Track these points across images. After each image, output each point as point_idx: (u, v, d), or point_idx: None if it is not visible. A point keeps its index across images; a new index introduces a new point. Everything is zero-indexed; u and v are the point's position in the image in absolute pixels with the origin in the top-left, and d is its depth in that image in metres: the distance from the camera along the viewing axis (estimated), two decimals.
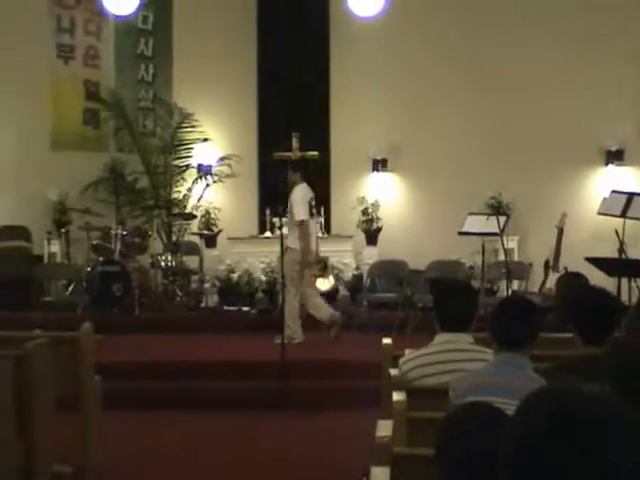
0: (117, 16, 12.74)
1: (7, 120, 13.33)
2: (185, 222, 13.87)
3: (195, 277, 13.62)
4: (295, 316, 10.97)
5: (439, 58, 14.11)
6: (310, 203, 11.04)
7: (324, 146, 14.74)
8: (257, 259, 13.30)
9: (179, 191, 14.23)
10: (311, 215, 11.03)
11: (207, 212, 14.23)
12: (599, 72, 13.41)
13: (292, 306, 10.94)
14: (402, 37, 14.02)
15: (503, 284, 12.12)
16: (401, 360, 5.09)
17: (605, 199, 11.52)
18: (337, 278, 13.10)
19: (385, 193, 14.56)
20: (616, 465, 1.44)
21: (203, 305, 13.27)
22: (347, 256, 13.65)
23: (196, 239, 14.06)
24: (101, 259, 12.63)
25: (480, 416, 2.38)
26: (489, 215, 12.04)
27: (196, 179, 14.28)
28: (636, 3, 12.77)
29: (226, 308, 13.02)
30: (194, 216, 13.96)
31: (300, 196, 10.92)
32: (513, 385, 3.85)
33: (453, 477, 2.29)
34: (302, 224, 10.75)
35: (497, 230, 11.52)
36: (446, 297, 5.09)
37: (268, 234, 13.71)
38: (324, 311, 11.05)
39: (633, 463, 1.45)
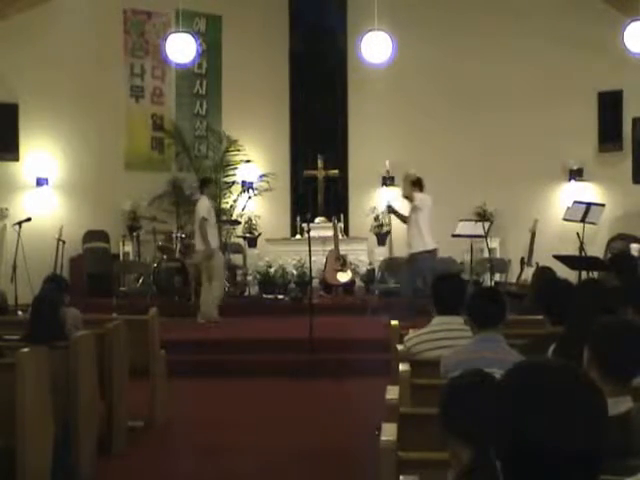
0: (178, 64, 12.77)
1: (90, 146, 13.39)
2: (232, 227, 13.90)
3: (240, 271, 13.63)
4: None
5: (435, 94, 14.07)
6: None
7: (343, 165, 14.82)
8: (289, 257, 13.26)
9: (227, 202, 14.24)
10: None
11: (249, 219, 14.23)
12: (565, 104, 13.32)
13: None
14: (404, 77, 13.99)
15: (487, 276, 12.10)
16: (406, 338, 5.08)
17: (569, 208, 11.46)
18: (354, 272, 13.07)
19: (392, 203, 14.46)
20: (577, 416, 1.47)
21: (246, 294, 13.26)
22: (362, 254, 13.62)
23: (240, 241, 14.10)
24: (165, 257, 12.66)
25: (477, 378, 2.40)
26: (476, 221, 12.03)
27: (240, 193, 14.30)
28: (595, 41, 12.64)
29: (265, 296, 12.98)
30: (239, 222, 13.99)
31: None
32: (492, 357, 3.85)
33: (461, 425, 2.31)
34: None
35: (483, 233, 11.51)
36: (441, 287, 5.08)
37: (298, 236, 13.70)
38: None
39: (591, 414, 1.48)
